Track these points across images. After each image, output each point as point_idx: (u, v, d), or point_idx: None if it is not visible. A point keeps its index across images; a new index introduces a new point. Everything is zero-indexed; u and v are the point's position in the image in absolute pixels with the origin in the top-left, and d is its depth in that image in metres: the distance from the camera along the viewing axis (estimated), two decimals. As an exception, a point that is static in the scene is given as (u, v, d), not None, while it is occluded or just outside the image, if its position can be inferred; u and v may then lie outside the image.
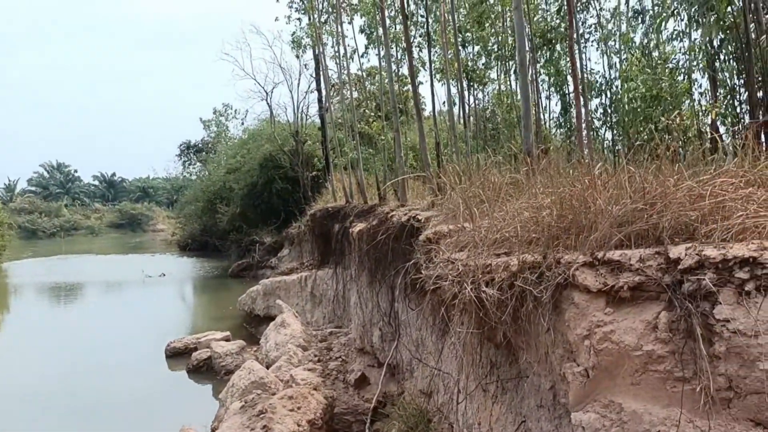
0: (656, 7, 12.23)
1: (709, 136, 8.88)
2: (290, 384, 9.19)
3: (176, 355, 13.85)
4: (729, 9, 8.28)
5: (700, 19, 8.79)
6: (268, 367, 10.54)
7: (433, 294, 4.45)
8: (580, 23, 13.86)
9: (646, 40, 12.73)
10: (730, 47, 9.23)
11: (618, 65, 13.11)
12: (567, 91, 14.33)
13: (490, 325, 3.53)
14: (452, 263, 3.90)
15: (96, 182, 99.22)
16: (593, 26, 14.33)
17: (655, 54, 11.49)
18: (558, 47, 14.13)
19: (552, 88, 14.86)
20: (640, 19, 13.06)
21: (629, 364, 2.68)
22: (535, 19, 14.16)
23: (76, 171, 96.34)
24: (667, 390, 2.58)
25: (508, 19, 14.11)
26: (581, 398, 2.89)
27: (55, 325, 19.43)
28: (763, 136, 6.79)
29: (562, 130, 14.77)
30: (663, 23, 10.17)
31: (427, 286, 4.26)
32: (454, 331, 4.53)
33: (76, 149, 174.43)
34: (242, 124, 39.73)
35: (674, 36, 10.54)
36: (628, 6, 13.53)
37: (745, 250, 2.50)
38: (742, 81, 9.27)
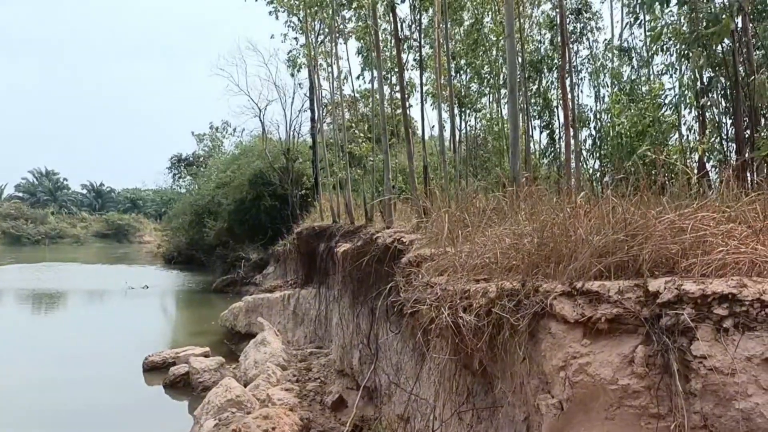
0: (647, 39, 12.37)
1: (695, 172, 8.93)
2: (266, 404, 9.03)
3: (154, 369, 13.58)
4: (719, 47, 8.38)
5: (689, 55, 8.88)
6: (246, 385, 10.36)
7: (411, 318, 4.38)
8: (573, 54, 14.00)
9: (635, 76, 12.86)
10: (719, 84, 9.32)
11: (607, 98, 13.22)
12: (556, 121, 14.42)
13: (467, 352, 3.46)
14: (431, 287, 3.84)
15: (84, 191, 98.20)
16: (586, 58, 14.49)
17: (644, 89, 11.58)
18: (549, 77, 14.27)
19: (539, 120, 14.94)
20: (626, 56, 13.19)
21: (604, 398, 2.62)
22: (528, 48, 14.29)
23: (65, 179, 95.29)
24: (641, 426, 2.53)
25: (502, 48, 14.22)
26: (555, 431, 2.82)
27: (32, 332, 19.02)
28: (748, 174, 6.82)
29: (547, 159, 14.82)
30: (652, 57, 10.29)
31: (406, 310, 4.19)
32: (430, 356, 4.45)
33: (65, 158, 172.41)
34: (241, 143, 39.59)
35: (664, 71, 10.65)
36: (621, 40, 13.70)
37: (724, 286, 2.46)
38: (730, 119, 9.35)
